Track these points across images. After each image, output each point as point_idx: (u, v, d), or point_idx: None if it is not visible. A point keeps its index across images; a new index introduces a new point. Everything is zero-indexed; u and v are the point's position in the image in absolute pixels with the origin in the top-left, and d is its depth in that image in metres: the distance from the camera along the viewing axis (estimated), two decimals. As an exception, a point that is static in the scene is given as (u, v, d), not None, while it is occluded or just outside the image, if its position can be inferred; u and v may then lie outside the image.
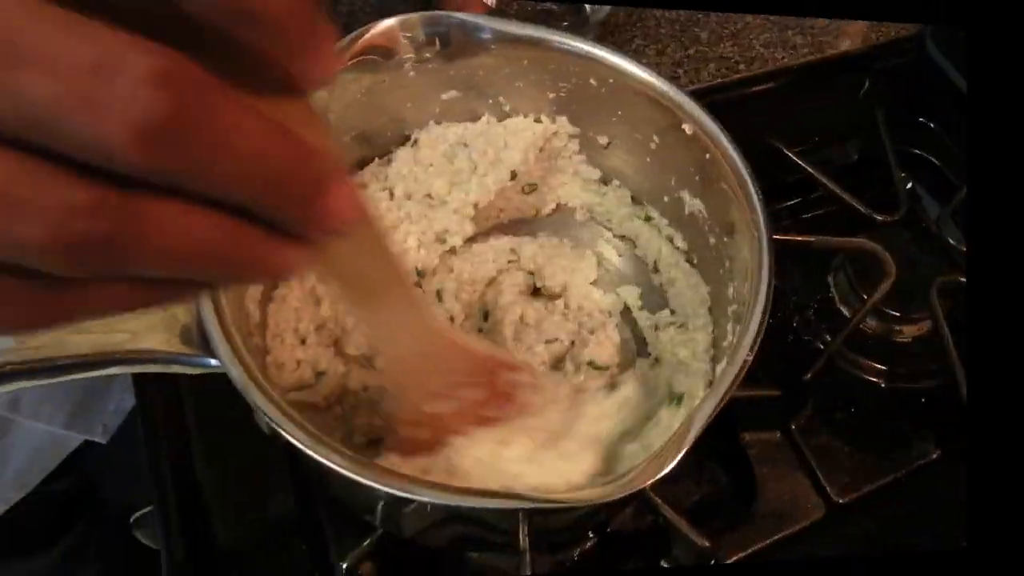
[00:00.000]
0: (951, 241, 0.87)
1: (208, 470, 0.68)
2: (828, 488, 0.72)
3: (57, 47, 0.21)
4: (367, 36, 0.66)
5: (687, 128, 0.67)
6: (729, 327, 0.64)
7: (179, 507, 0.65)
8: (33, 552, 0.98)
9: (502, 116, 0.76)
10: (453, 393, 0.49)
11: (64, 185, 0.22)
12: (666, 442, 0.49)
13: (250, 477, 0.68)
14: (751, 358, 0.55)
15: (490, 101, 0.75)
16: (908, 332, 0.81)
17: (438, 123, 0.76)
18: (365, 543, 0.62)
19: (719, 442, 0.74)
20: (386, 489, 0.45)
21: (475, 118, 0.76)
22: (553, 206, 0.80)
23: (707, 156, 0.66)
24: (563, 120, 0.76)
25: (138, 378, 0.71)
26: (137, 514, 0.91)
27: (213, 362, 0.48)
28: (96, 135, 0.21)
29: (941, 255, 0.85)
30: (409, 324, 0.43)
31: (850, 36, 1.02)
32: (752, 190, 0.63)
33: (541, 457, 0.53)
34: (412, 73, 0.70)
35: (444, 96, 0.74)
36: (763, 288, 0.58)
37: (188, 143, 0.23)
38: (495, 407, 0.52)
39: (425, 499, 0.45)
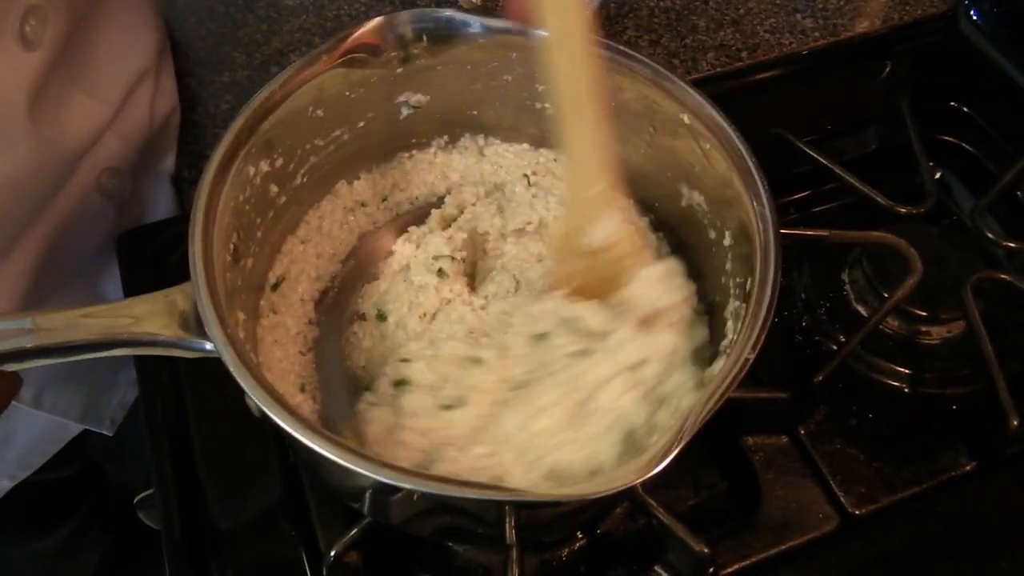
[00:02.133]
0: (988, 235, 0.81)
1: (205, 455, 0.70)
2: (842, 498, 0.68)
3: None
4: (355, 35, 0.65)
5: (685, 117, 0.64)
6: (729, 326, 0.60)
7: (178, 490, 0.68)
8: (40, 534, 1.04)
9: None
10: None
11: None
12: (655, 442, 0.47)
13: (245, 461, 0.70)
14: (753, 356, 0.51)
15: (474, 112, 0.75)
16: (936, 334, 0.76)
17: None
18: (352, 532, 0.61)
19: (718, 446, 0.71)
20: (374, 476, 0.46)
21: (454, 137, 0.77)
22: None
23: (707, 147, 0.63)
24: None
25: (140, 367, 0.74)
26: (140, 496, 0.97)
27: (208, 346, 0.51)
28: None
29: (975, 250, 0.80)
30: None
31: (868, 17, 0.98)
32: (757, 179, 0.59)
33: (572, 432, 0.56)
34: (400, 70, 0.69)
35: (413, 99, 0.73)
36: (769, 282, 0.54)
37: None
38: None
39: (407, 487, 0.46)
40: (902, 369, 0.75)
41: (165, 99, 0.90)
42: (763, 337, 0.52)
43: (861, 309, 0.77)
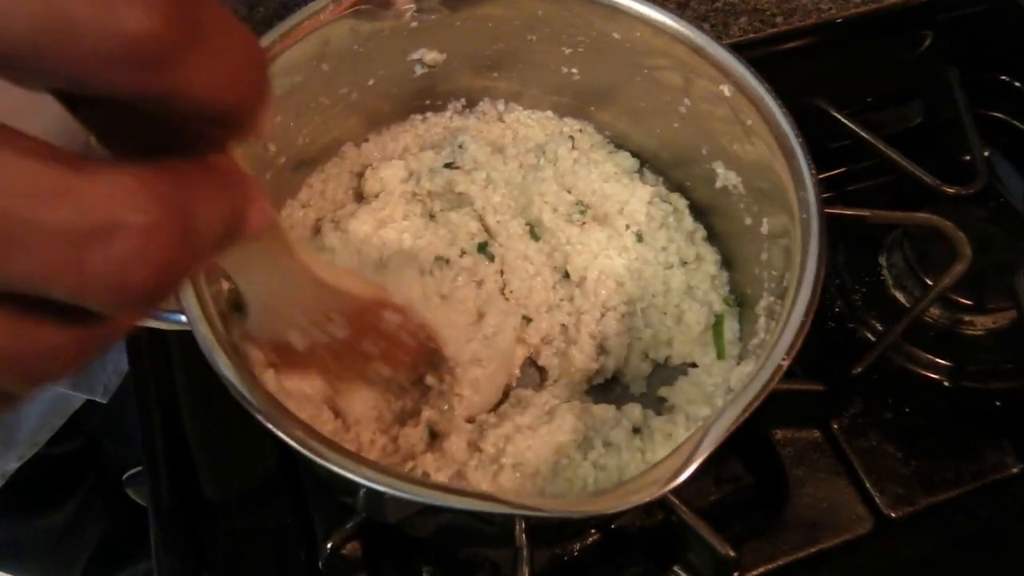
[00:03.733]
0: None
1: (196, 431, 0.68)
2: (877, 498, 0.65)
3: (47, 218, 0.21)
4: None
5: (725, 89, 0.58)
6: (761, 323, 0.56)
7: (168, 464, 0.66)
8: (46, 511, 1.03)
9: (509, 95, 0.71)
10: (316, 328, 0.50)
11: None
12: (671, 452, 0.44)
13: (237, 439, 0.67)
14: (788, 363, 0.47)
15: (494, 74, 0.70)
16: (981, 324, 0.71)
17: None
18: (350, 524, 0.58)
19: (744, 438, 0.66)
20: (353, 477, 0.43)
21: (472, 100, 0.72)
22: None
23: (748, 123, 0.58)
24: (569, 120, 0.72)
25: (130, 342, 0.72)
26: (128, 473, 0.97)
27: (183, 319, 0.48)
28: (78, 297, 0.22)
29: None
30: (268, 258, 0.44)
31: (912, -19, 0.91)
32: (802, 161, 0.54)
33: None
34: (414, 24, 0.64)
35: (428, 57, 0.68)
36: (811, 280, 0.50)
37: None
38: (383, 349, 0.54)
39: (410, 498, 0.43)
40: (942, 361, 0.71)
41: None
42: (800, 342, 0.48)
43: (899, 295, 0.74)
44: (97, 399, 0.91)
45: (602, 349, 0.65)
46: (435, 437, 0.59)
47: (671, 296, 0.66)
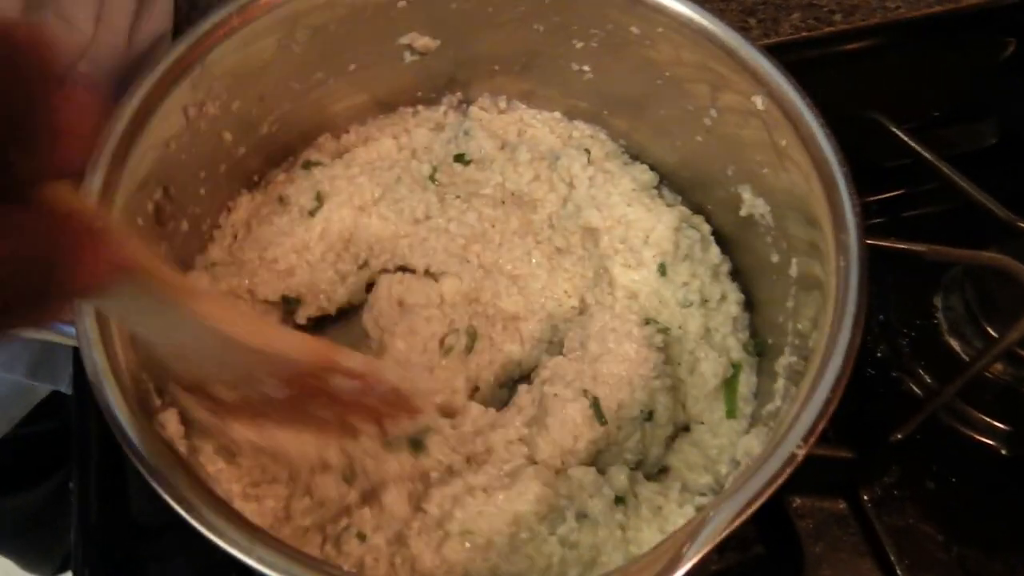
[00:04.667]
0: None
1: None
2: None
3: None
4: None
5: (758, 101, 0.52)
6: (779, 386, 0.50)
7: (100, 480, 0.62)
8: (22, 489, 1.02)
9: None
10: (244, 386, 0.47)
11: None
12: (655, 547, 0.39)
13: None
14: (803, 452, 0.41)
15: (495, 67, 0.65)
16: (1050, 384, 0.63)
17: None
18: None
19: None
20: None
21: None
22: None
23: (783, 143, 0.51)
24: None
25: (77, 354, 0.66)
26: None
27: (73, 331, 0.44)
28: None
29: None
30: (190, 324, 0.41)
31: (994, -20, 0.84)
32: (845, 196, 0.47)
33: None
34: (403, 3, 0.59)
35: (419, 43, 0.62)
36: (842, 344, 0.43)
37: None
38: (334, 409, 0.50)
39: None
40: (1001, 425, 0.64)
41: (155, 23, 0.80)
42: (821, 426, 0.41)
43: (956, 345, 0.66)
44: (63, 390, 0.87)
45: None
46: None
47: (686, 341, 0.59)
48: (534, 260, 0.63)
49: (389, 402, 0.52)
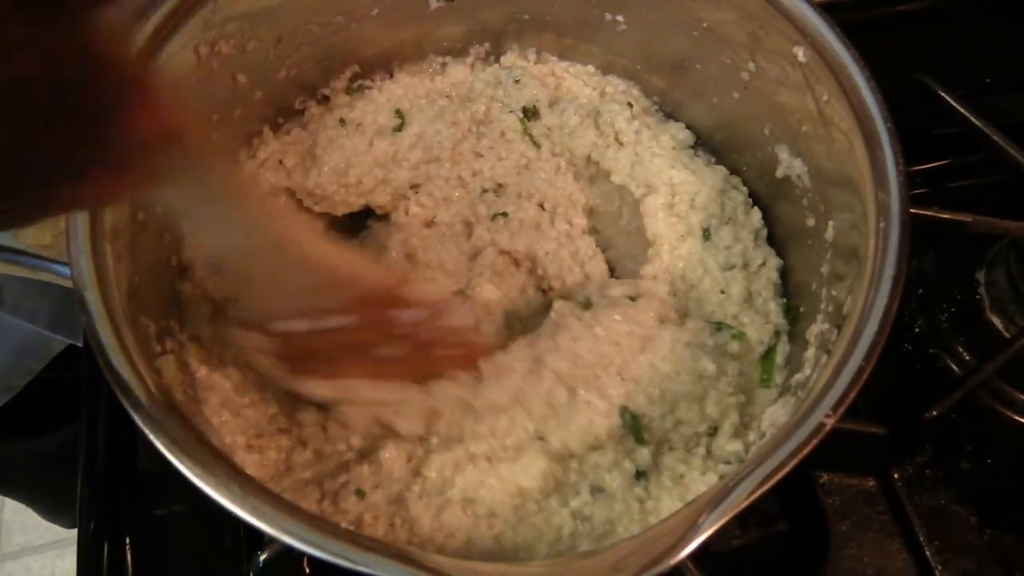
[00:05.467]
0: None
1: None
2: (938, 572, 0.56)
3: None
4: None
5: (800, 53, 0.49)
6: (810, 355, 0.48)
7: (107, 431, 0.63)
8: (40, 432, 1.02)
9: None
10: (309, 316, 0.45)
11: None
12: (671, 516, 0.38)
13: None
14: (831, 422, 0.40)
15: (525, 16, 0.62)
16: (1097, 364, 0.61)
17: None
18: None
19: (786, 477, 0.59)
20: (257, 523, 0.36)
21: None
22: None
23: (824, 98, 0.48)
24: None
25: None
26: None
27: (68, 272, 0.43)
28: None
29: None
30: (257, 230, 0.40)
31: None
32: (890, 155, 0.45)
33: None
34: None
35: None
36: (879, 316, 0.41)
37: None
38: (389, 350, 0.48)
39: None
40: None
41: None
42: (853, 395, 0.40)
43: (997, 321, 0.63)
44: (78, 343, 0.87)
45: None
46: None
47: (728, 306, 0.57)
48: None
49: (450, 341, 0.50)
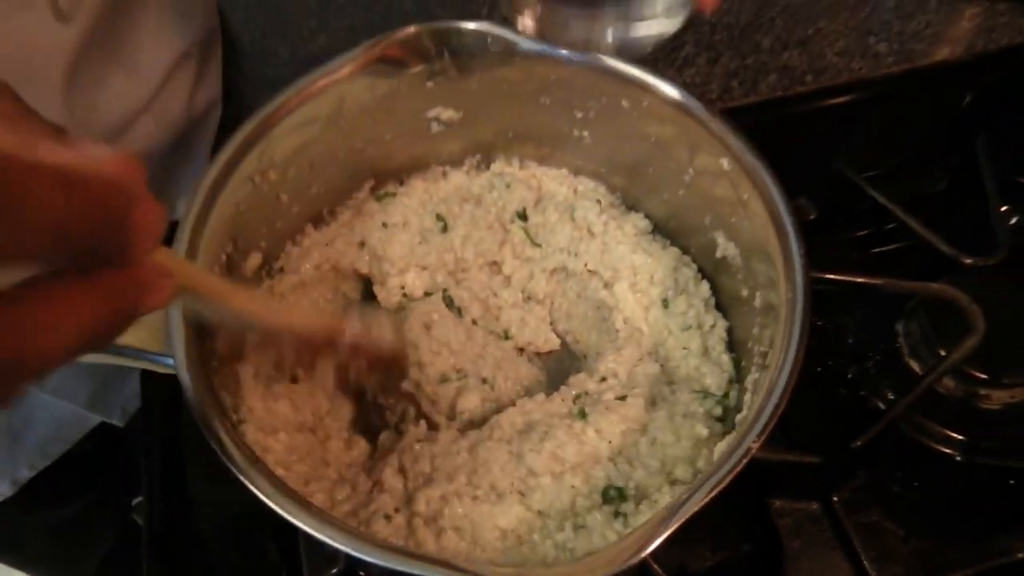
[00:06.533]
0: None
1: (195, 463, 0.71)
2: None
3: None
4: (380, 46, 0.62)
5: (725, 163, 0.59)
6: (747, 399, 0.56)
7: (164, 492, 0.69)
8: (54, 505, 1.04)
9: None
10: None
11: None
12: (633, 531, 0.44)
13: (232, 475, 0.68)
14: (756, 445, 0.47)
15: (509, 134, 0.72)
16: (998, 399, 0.69)
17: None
18: (334, 571, 0.57)
19: (743, 505, 0.67)
20: (326, 539, 0.45)
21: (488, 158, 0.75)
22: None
23: (745, 196, 0.58)
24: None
25: (144, 373, 0.75)
26: (137, 500, 0.92)
27: (171, 362, 0.51)
28: None
29: None
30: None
31: (949, 43, 0.90)
32: (792, 239, 0.54)
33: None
34: (430, 84, 0.66)
35: (444, 116, 0.70)
36: (788, 363, 0.50)
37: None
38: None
39: (375, 561, 0.44)
40: (956, 435, 0.69)
41: (208, 90, 0.88)
42: (772, 425, 0.47)
43: (914, 365, 0.71)
44: (114, 422, 0.92)
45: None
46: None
47: (691, 359, 0.65)
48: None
49: (382, 359, 0.62)
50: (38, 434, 0.90)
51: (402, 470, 0.59)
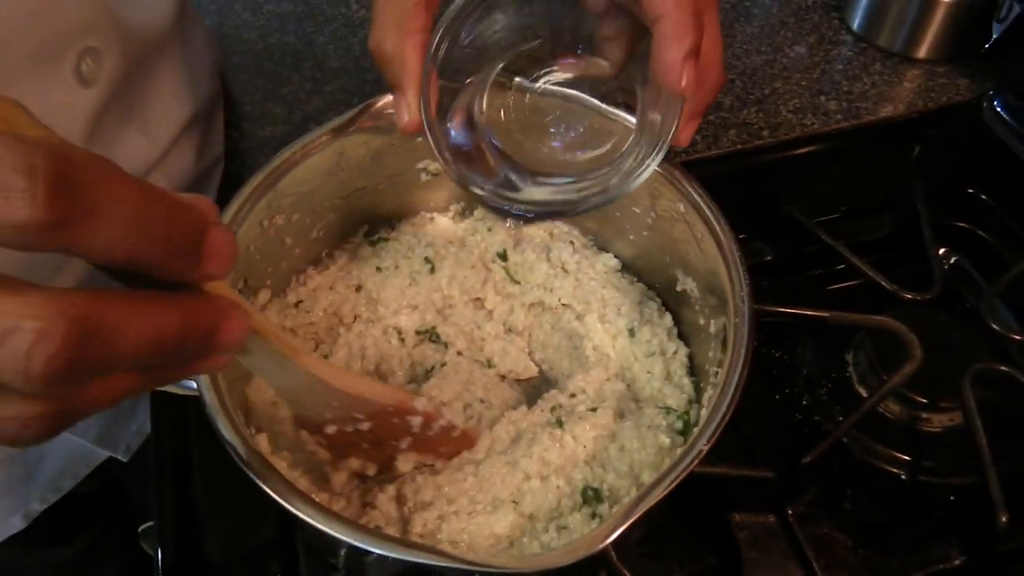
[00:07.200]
0: (994, 326, 0.79)
1: (206, 494, 0.73)
2: None
3: None
4: (374, 108, 0.68)
5: (681, 207, 0.66)
6: (703, 414, 0.61)
7: (175, 522, 0.71)
8: (56, 544, 1.05)
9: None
10: (341, 422, 0.59)
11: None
12: (605, 522, 0.49)
13: (242, 502, 0.70)
14: (706, 448, 0.53)
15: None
16: (938, 421, 0.74)
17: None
18: None
19: (708, 521, 0.71)
20: (335, 534, 0.49)
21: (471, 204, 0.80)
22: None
23: (699, 236, 0.65)
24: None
25: (154, 406, 0.77)
26: (144, 526, 0.98)
27: (194, 385, 0.54)
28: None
29: (981, 340, 0.78)
30: (298, 375, 0.52)
31: (893, 102, 0.99)
32: (740, 273, 0.61)
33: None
34: (419, 139, 0.70)
35: (432, 167, 0.76)
36: (734, 380, 0.56)
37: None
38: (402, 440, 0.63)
39: (377, 551, 0.49)
40: (900, 455, 0.74)
41: (213, 148, 0.94)
42: (719, 433, 0.53)
43: (862, 391, 0.77)
44: (119, 457, 0.94)
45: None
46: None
47: (654, 382, 0.71)
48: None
49: (447, 436, 0.64)
50: (50, 468, 0.91)
51: (399, 498, 0.64)
